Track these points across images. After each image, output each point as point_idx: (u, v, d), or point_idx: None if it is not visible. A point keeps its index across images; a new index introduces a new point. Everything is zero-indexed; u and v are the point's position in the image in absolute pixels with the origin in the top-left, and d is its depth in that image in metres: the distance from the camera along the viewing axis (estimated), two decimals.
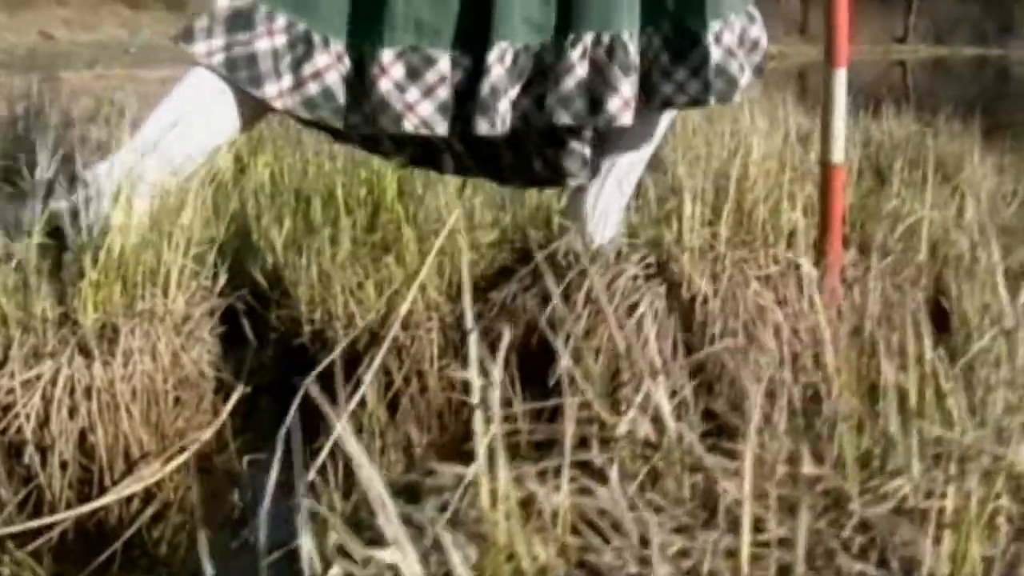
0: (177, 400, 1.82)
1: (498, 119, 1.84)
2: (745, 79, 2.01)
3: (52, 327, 1.70)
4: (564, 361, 1.84)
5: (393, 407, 1.97)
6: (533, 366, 1.97)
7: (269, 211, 2.53)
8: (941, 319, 2.16)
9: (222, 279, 1.97)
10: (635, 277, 1.96)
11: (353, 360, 1.99)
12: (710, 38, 1.93)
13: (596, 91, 1.88)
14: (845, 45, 1.75)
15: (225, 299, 1.97)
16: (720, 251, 2.04)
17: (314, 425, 1.90)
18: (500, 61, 1.85)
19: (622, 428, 1.08)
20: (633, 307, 1.93)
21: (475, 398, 0.90)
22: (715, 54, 1.94)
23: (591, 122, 1.89)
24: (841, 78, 1.74)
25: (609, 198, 2.09)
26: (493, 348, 1.90)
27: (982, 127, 4.22)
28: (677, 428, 1.00)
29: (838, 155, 1.74)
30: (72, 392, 1.68)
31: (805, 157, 2.60)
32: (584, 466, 0.99)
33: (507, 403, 1.58)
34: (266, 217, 2.46)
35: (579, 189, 2.09)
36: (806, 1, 29.31)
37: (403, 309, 1.93)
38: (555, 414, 1.84)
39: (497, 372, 0.92)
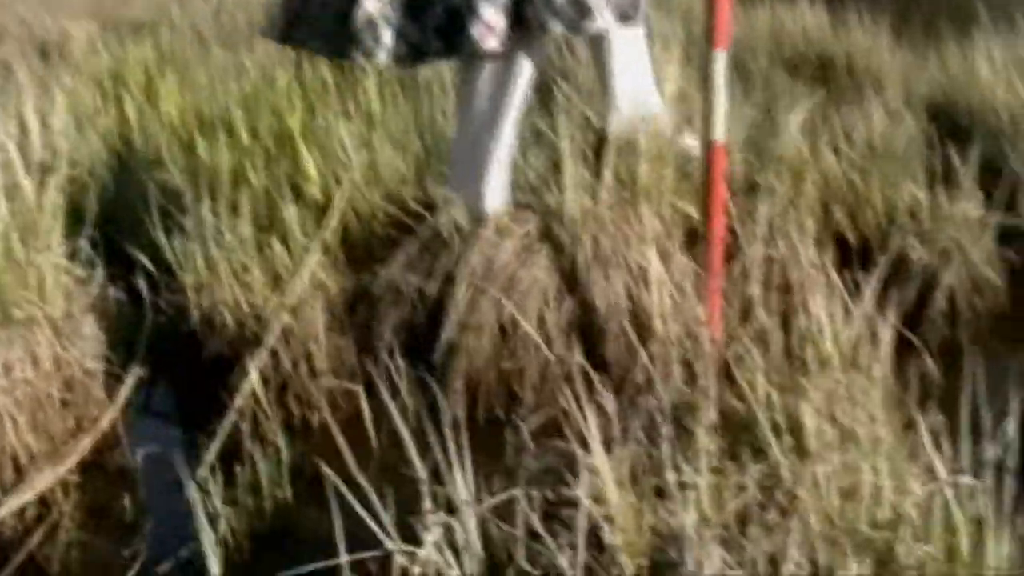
0: (64, 402, 1.83)
1: None
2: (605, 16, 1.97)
3: None
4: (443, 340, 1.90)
5: (283, 388, 1.98)
6: (421, 340, 2.01)
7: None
8: None
9: (99, 271, 1.96)
10: (520, 247, 1.98)
11: (244, 342, 2.00)
12: None
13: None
14: (726, 26, 1.71)
15: (105, 291, 1.96)
16: (603, 214, 2.06)
17: (206, 411, 1.95)
18: None
19: None
20: (515, 278, 1.95)
21: None
22: None
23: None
24: (721, 59, 1.72)
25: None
26: (381, 326, 1.94)
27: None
28: None
29: (719, 133, 1.73)
30: None
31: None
32: None
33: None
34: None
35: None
36: None
37: (288, 300, 1.94)
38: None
39: None
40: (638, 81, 2.24)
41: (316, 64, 4.77)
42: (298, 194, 3.01)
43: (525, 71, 2.05)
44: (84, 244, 1.96)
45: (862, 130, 2.60)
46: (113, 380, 1.95)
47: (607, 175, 2.08)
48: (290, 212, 2.04)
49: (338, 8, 1.91)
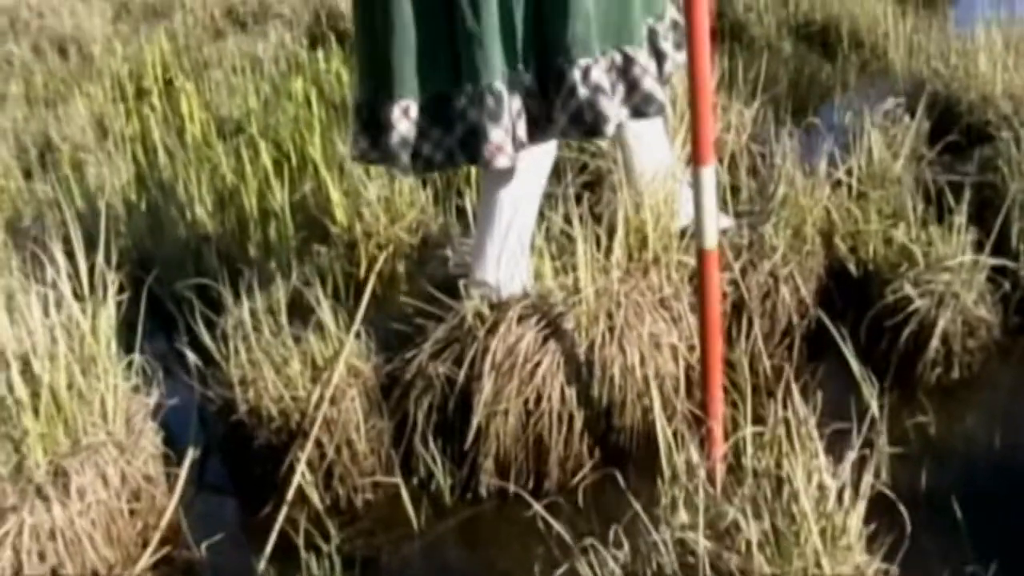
0: (131, 511, 2.01)
1: None
2: (619, 116, 2.12)
3: (10, 482, 1.87)
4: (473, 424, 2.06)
5: (328, 473, 2.16)
6: (452, 423, 2.18)
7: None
8: None
9: (159, 378, 2.13)
10: (539, 332, 2.13)
11: (288, 431, 2.18)
12: (576, 75, 2.04)
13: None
14: (710, 142, 1.78)
15: (161, 399, 2.13)
16: (614, 289, 2.20)
17: (259, 497, 2.13)
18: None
19: None
20: (537, 365, 2.11)
21: None
22: (582, 92, 2.05)
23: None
24: (709, 175, 1.79)
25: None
26: (415, 412, 2.12)
27: None
28: None
29: (711, 243, 1.83)
30: (39, 538, 1.87)
31: None
32: None
33: None
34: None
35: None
36: None
37: (327, 391, 2.10)
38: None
39: None
40: (656, 161, 2.36)
41: (331, 64, 4.90)
42: (324, 234, 3.19)
43: (542, 167, 2.19)
44: (137, 357, 2.12)
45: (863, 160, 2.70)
46: (172, 478, 2.12)
47: (617, 251, 2.22)
48: (323, 308, 2.18)
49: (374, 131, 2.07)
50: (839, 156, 2.78)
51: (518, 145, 2.05)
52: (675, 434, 1.56)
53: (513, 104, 2.03)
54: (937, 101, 3.33)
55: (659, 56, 2.19)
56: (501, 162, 2.01)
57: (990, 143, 2.88)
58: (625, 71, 2.09)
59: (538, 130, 2.09)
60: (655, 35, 2.18)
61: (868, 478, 1.43)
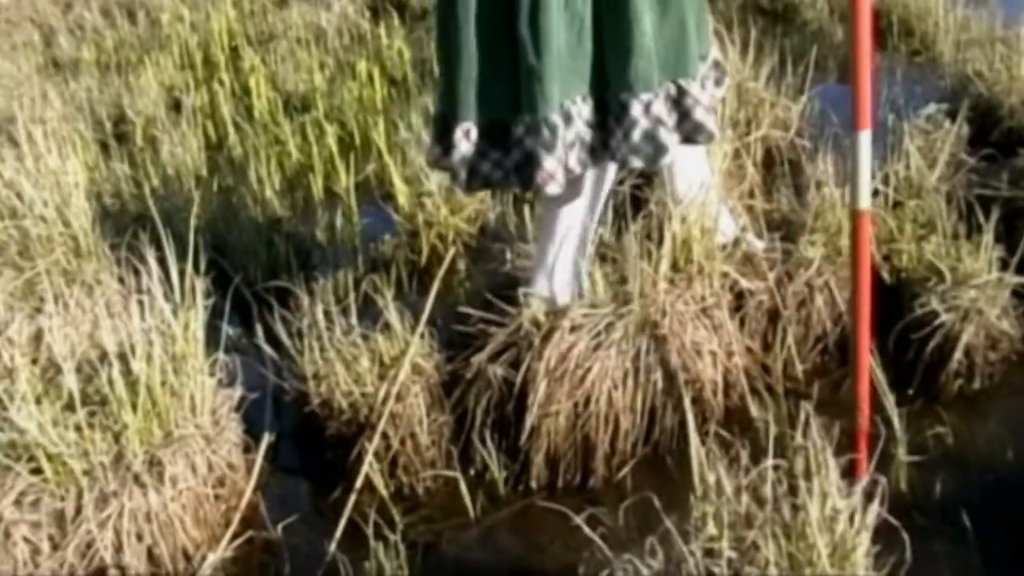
0: (216, 496, 2.23)
1: None
2: (673, 144, 2.29)
3: (111, 471, 2.10)
4: (527, 423, 2.26)
5: (393, 463, 2.36)
6: (508, 422, 2.38)
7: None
8: None
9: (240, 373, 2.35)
10: (590, 339, 2.31)
11: (357, 423, 2.38)
12: (638, 109, 2.21)
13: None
14: (867, 108, 1.91)
15: (244, 393, 2.35)
16: (660, 299, 2.38)
17: (330, 483, 2.34)
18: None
19: None
20: (587, 371, 2.29)
21: None
22: (643, 124, 2.22)
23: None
24: (865, 139, 1.92)
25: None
26: (474, 410, 2.32)
27: None
28: None
29: (864, 203, 1.95)
30: (136, 520, 2.09)
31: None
32: None
33: None
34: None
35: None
36: None
37: (394, 389, 2.30)
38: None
39: None
40: (699, 179, 2.52)
41: (393, 40, 5.06)
42: (387, 219, 3.37)
43: (601, 188, 2.37)
44: (221, 356, 2.33)
45: (900, 168, 2.84)
46: (250, 464, 2.34)
47: (664, 264, 2.39)
48: (390, 310, 2.38)
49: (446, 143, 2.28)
50: (877, 162, 2.92)
51: (570, 173, 2.22)
52: (707, 453, 1.73)
53: (568, 135, 2.20)
54: (979, 104, 3.45)
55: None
56: (552, 189, 2.19)
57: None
58: (678, 102, 2.25)
59: (594, 158, 2.27)
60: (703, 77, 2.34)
61: (875, 507, 1.61)
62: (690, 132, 2.28)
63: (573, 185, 2.33)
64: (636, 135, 2.21)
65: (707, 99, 2.34)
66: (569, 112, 2.20)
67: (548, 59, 2.15)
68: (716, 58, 2.45)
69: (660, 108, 2.22)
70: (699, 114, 2.26)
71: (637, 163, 2.26)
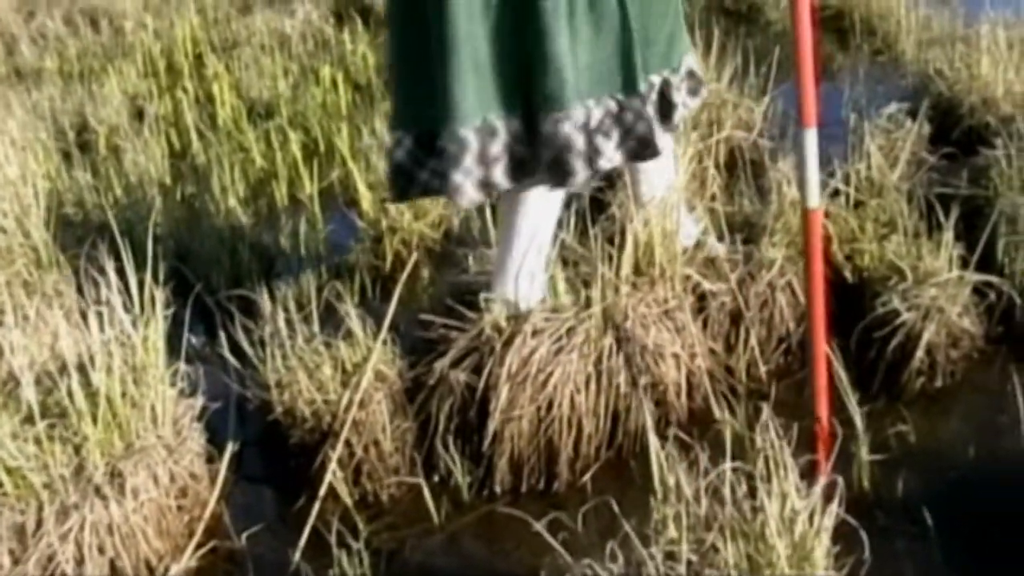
0: (179, 507, 2.22)
1: None
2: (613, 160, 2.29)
3: (72, 483, 2.08)
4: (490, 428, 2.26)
5: (356, 470, 2.36)
6: (470, 426, 2.37)
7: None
8: None
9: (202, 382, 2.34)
10: (552, 344, 2.31)
11: (320, 431, 2.37)
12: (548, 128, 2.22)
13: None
14: (812, 106, 1.91)
15: (206, 400, 2.34)
16: (622, 303, 2.38)
17: (294, 491, 2.33)
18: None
19: None
20: (549, 375, 2.29)
21: None
22: (552, 143, 2.22)
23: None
24: (811, 138, 1.93)
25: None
26: (437, 415, 2.31)
27: None
28: None
29: (813, 201, 1.96)
30: (98, 533, 2.08)
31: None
32: None
33: None
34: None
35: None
36: None
37: (357, 397, 2.30)
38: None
39: None
40: (663, 183, 2.53)
41: (357, 45, 5.05)
42: (351, 225, 3.37)
43: (557, 195, 2.37)
44: (182, 366, 2.32)
45: (862, 167, 2.86)
46: (214, 474, 2.32)
47: (626, 267, 2.39)
48: (352, 317, 2.37)
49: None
50: (838, 162, 2.94)
51: (493, 187, 2.24)
52: (667, 456, 1.73)
53: (493, 148, 2.21)
54: (940, 103, 3.48)
55: (669, 106, 2.34)
56: (461, 201, 2.23)
57: (985, 148, 3.01)
58: (619, 117, 2.25)
59: (523, 173, 2.27)
60: (668, 86, 2.34)
61: (833, 508, 1.61)
62: (634, 148, 2.27)
63: (531, 191, 2.33)
64: (545, 155, 2.21)
65: (678, 115, 2.35)
66: (494, 126, 2.20)
67: (456, 73, 2.15)
68: (691, 68, 2.45)
69: (570, 130, 2.21)
70: (641, 129, 2.25)
71: (549, 183, 2.26)
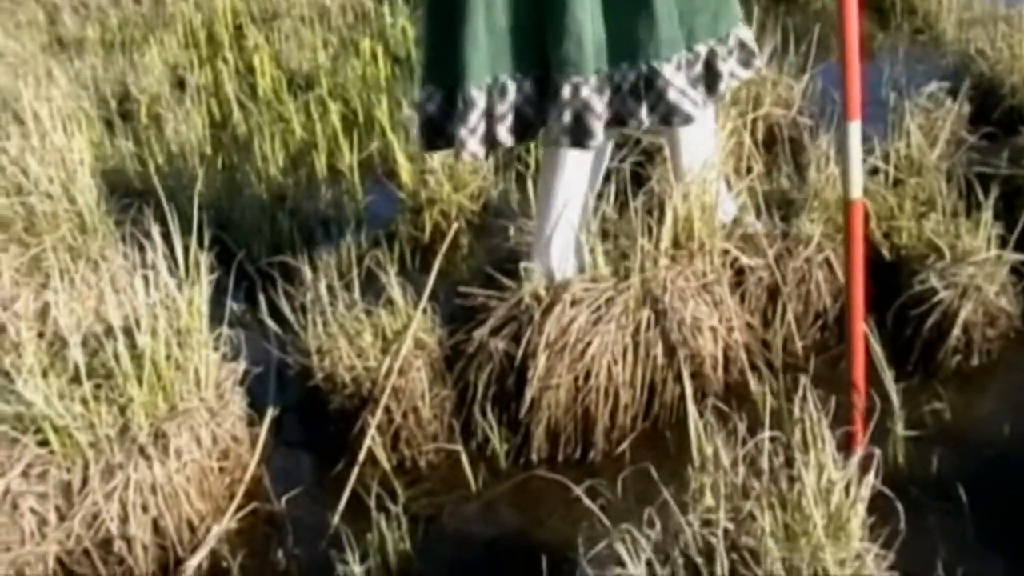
0: (221, 469, 2.26)
1: None
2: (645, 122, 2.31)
3: (117, 443, 2.12)
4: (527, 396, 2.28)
5: (395, 436, 2.39)
6: (509, 394, 2.40)
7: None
8: None
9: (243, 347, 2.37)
10: (591, 314, 2.33)
11: (360, 398, 2.41)
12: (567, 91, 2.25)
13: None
14: (857, 98, 1.92)
15: (248, 367, 2.38)
16: (661, 276, 2.39)
17: (334, 457, 2.36)
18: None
19: None
20: (587, 345, 2.32)
21: None
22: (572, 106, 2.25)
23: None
24: (855, 129, 1.93)
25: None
26: (476, 383, 2.34)
27: None
28: None
29: (856, 192, 1.97)
30: (142, 492, 2.12)
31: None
32: None
33: None
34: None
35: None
36: None
37: (396, 364, 2.33)
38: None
39: None
40: (703, 156, 2.53)
41: (396, 17, 5.07)
42: (391, 196, 3.39)
43: (596, 163, 2.38)
44: (225, 331, 2.36)
45: (902, 146, 2.86)
46: (255, 437, 2.36)
47: (665, 239, 2.41)
48: (392, 285, 2.40)
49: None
50: (879, 141, 2.94)
51: (499, 144, 2.30)
52: (705, 426, 1.75)
53: (501, 107, 2.27)
54: (981, 82, 3.46)
55: (715, 76, 2.35)
56: (464, 156, 2.29)
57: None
58: (650, 82, 2.26)
59: (527, 133, 2.33)
60: (714, 56, 2.34)
61: (870, 479, 1.63)
62: (664, 114, 2.29)
63: (569, 159, 2.35)
64: (566, 117, 2.23)
65: (723, 85, 2.35)
66: (505, 86, 2.26)
67: (471, 33, 2.21)
68: (742, 38, 2.45)
69: (590, 94, 2.24)
70: (672, 96, 2.26)
71: (565, 144, 2.28)
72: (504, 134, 2.30)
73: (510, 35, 2.24)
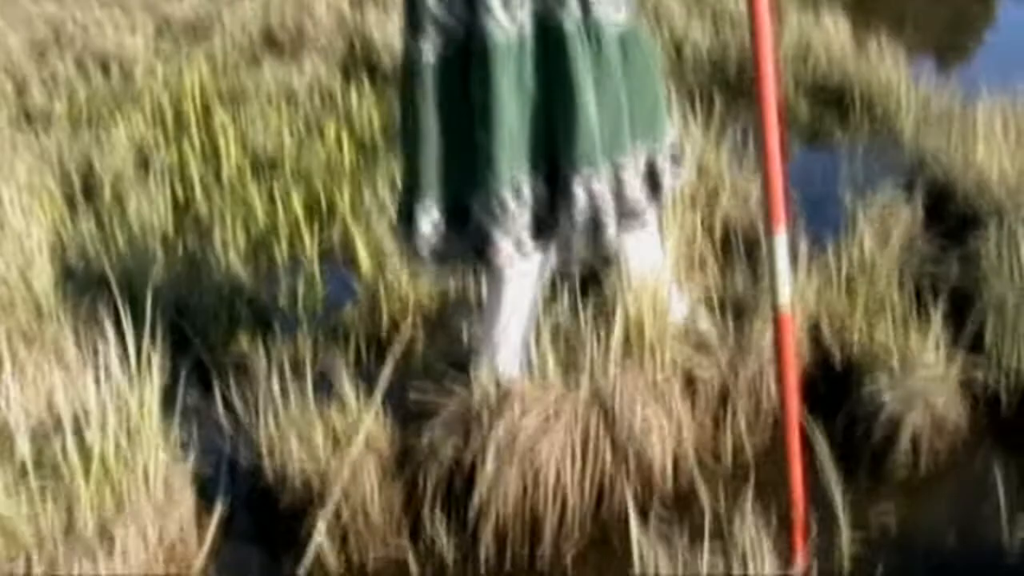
0: (168, 565, 2.24)
1: None
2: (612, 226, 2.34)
3: (60, 539, 2.10)
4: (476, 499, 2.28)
5: (343, 537, 2.38)
6: (458, 495, 2.40)
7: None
8: None
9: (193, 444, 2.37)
10: (540, 418, 2.34)
11: (310, 497, 2.40)
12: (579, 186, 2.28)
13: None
14: (781, 212, 1.89)
15: (198, 465, 2.37)
16: (611, 378, 2.41)
17: (282, 556, 2.34)
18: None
19: None
20: (536, 448, 2.32)
21: None
22: (586, 203, 2.29)
23: None
24: (781, 243, 1.91)
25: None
26: (424, 485, 2.33)
27: None
28: None
29: (784, 306, 1.93)
30: None
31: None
32: None
33: None
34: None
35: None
36: None
37: (345, 469, 2.32)
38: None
39: None
40: (651, 262, 2.57)
41: (363, 102, 5.12)
42: (349, 288, 3.40)
43: (540, 269, 2.41)
44: (176, 430, 2.35)
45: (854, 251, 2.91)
46: (203, 534, 2.35)
47: (615, 346, 2.43)
48: (344, 385, 2.40)
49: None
50: (832, 242, 2.99)
51: (522, 248, 2.29)
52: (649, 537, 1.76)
53: (520, 210, 2.25)
54: (935, 186, 3.52)
55: (656, 180, 2.39)
56: (504, 264, 2.29)
57: (978, 234, 3.05)
58: (618, 180, 2.31)
59: (544, 234, 2.32)
60: (653, 162, 2.39)
61: None
62: (624, 213, 2.33)
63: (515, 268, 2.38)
64: (578, 214, 2.26)
65: (666, 186, 2.39)
66: (520, 186, 2.26)
67: (499, 135, 2.21)
68: (673, 140, 2.50)
69: (601, 187, 2.28)
70: (631, 193, 2.32)
71: (580, 244, 2.31)
72: (525, 236, 2.33)
73: (521, 137, 2.27)
